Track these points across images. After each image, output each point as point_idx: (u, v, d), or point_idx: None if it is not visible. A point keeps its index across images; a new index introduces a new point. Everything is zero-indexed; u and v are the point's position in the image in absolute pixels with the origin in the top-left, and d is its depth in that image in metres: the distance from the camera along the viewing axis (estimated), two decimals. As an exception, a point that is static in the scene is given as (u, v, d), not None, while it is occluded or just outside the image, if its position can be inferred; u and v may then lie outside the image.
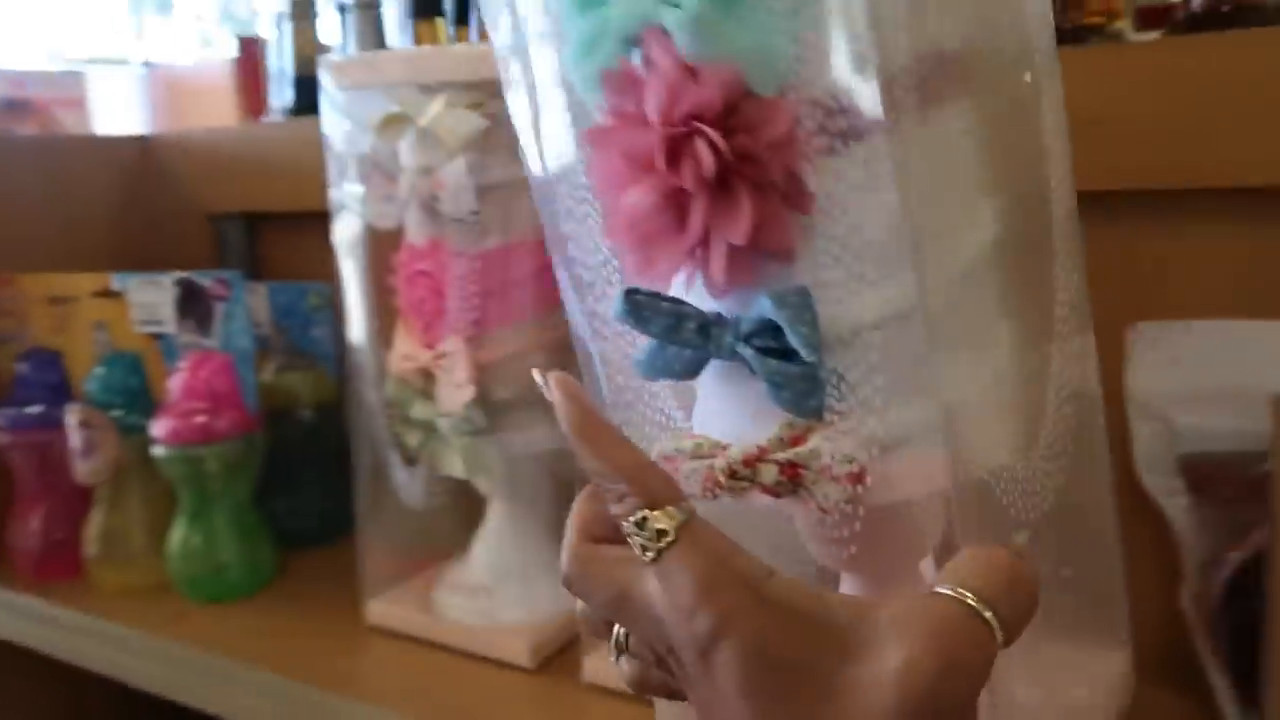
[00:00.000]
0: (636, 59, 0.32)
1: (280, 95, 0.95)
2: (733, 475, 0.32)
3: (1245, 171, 0.51)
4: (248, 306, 0.75)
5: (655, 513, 0.29)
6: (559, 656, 0.64)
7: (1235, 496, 0.54)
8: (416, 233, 0.63)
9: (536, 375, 0.33)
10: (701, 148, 0.30)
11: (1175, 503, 0.56)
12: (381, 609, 0.69)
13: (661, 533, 0.29)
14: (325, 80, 0.64)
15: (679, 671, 0.29)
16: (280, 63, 0.94)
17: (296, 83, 0.93)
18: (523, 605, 0.64)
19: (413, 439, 0.65)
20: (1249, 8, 0.53)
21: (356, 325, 0.67)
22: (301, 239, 0.94)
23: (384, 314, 0.66)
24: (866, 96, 0.29)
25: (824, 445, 0.31)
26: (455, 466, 0.62)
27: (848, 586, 0.39)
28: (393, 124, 0.61)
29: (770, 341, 0.31)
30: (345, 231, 0.66)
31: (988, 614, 0.27)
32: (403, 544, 0.71)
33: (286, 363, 0.84)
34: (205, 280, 0.75)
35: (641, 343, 0.35)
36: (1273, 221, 0.53)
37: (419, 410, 0.64)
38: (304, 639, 0.69)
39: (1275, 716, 0.45)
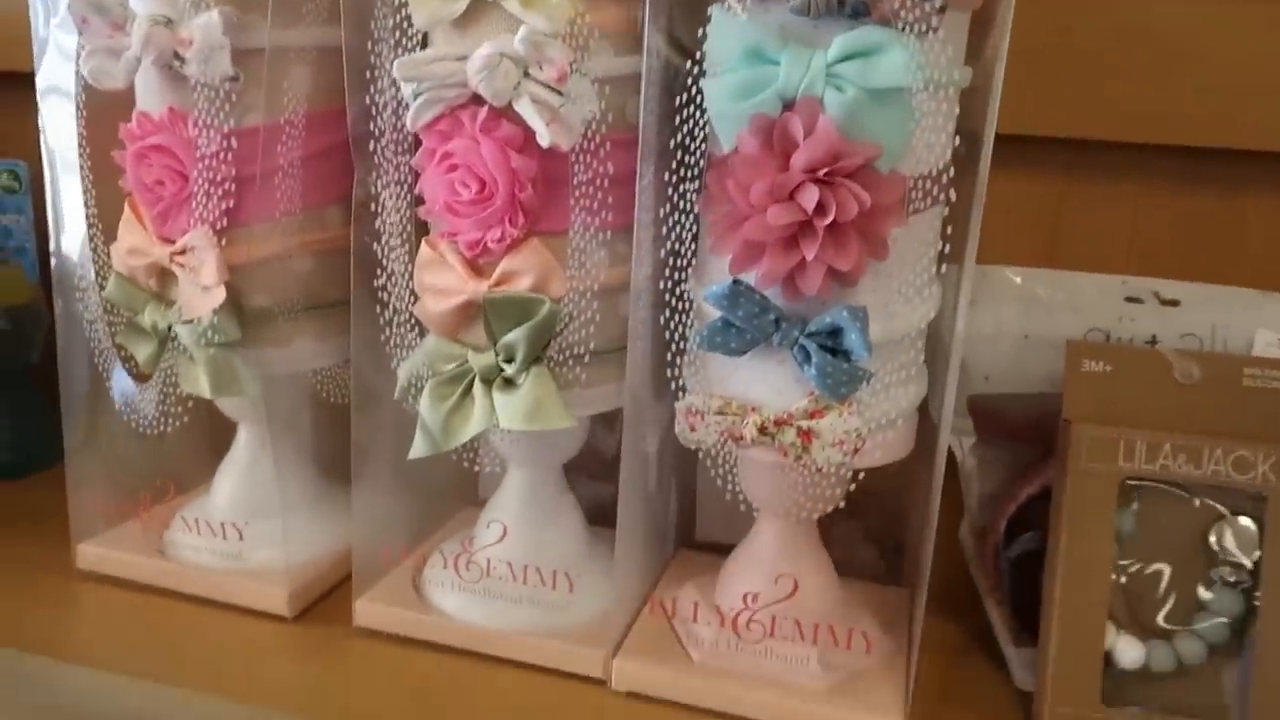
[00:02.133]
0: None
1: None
2: (762, 430, 0.44)
3: (1137, 128, 0.52)
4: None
5: None
6: (323, 603, 0.56)
7: (1015, 436, 0.55)
8: (151, 98, 0.51)
9: None
10: (845, 197, 0.39)
11: (962, 441, 0.57)
12: (98, 553, 0.57)
13: None
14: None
15: None
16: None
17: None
18: (278, 546, 0.55)
19: (142, 350, 0.54)
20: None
21: (67, 210, 0.54)
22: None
23: (104, 198, 0.54)
24: (932, 182, 0.42)
25: (838, 421, 0.43)
26: (199, 384, 0.52)
27: (766, 525, 0.51)
28: (122, -43, 0.49)
29: (828, 341, 0.42)
30: (54, 90, 0.53)
31: None
32: (123, 476, 0.59)
33: (-34, 255, 0.68)
34: None
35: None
36: (1164, 181, 0.54)
37: (151, 316, 0.53)
38: (-7, 590, 0.57)
39: (1050, 647, 0.47)
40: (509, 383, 0.47)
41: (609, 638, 0.50)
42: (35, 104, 0.54)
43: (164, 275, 0.53)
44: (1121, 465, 0.47)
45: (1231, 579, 0.47)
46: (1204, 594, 0.48)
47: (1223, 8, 0.51)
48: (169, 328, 0.53)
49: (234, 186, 0.50)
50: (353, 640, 0.53)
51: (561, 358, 0.47)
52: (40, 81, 0.53)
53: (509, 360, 0.47)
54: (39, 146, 0.55)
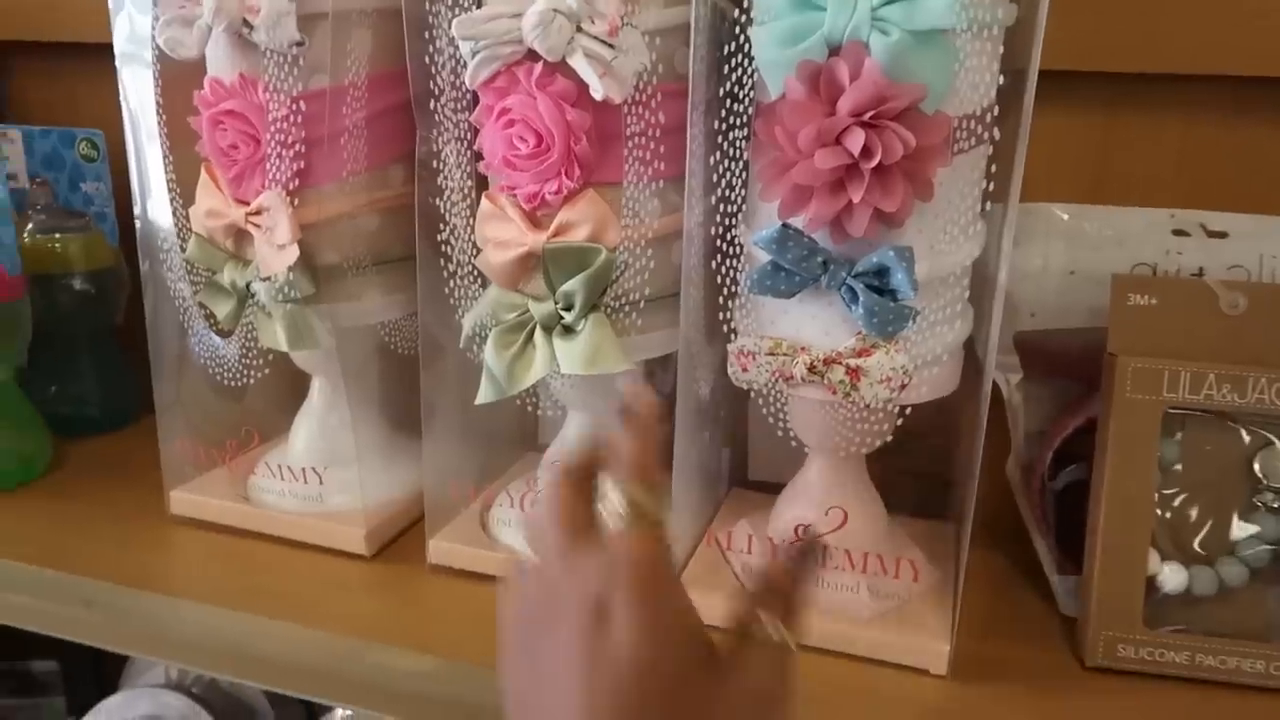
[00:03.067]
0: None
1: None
2: (811, 369, 0.46)
3: (1184, 59, 0.52)
4: (1, 150, 0.63)
5: None
6: (398, 542, 0.60)
7: (1061, 372, 0.57)
8: (223, 65, 0.54)
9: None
10: (890, 139, 0.40)
11: (1008, 378, 0.58)
12: (188, 498, 0.62)
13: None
14: None
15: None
16: None
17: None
18: (355, 489, 0.59)
19: (222, 307, 0.57)
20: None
21: (148, 175, 0.57)
22: (60, 76, 0.80)
23: (181, 163, 0.57)
24: (976, 121, 0.43)
25: (885, 359, 0.44)
26: (277, 338, 0.55)
27: (816, 461, 0.53)
28: (190, -69, 0.51)
29: (875, 281, 0.43)
30: (132, 61, 0.55)
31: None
32: (209, 427, 0.63)
33: (51, 222, 0.71)
34: (-58, 116, 0.62)
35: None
36: (1211, 112, 0.54)
37: (230, 274, 0.56)
38: (92, 533, 0.61)
39: (1094, 574, 0.49)
40: (568, 330, 0.50)
41: (668, 570, 0.53)
42: (111, 75, 0.57)
43: (240, 235, 0.56)
44: (1165, 395, 0.48)
45: (1275, 505, 0.48)
46: (1247, 519, 0.49)
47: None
48: (247, 285, 0.56)
49: (303, 148, 0.52)
50: (426, 576, 0.56)
51: (618, 304, 0.50)
52: (119, 53, 0.56)
53: (568, 308, 0.49)
54: (116, 116, 0.58)
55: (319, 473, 0.59)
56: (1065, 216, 0.56)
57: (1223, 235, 0.53)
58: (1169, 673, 0.48)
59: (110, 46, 0.57)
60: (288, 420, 0.64)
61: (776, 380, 0.47)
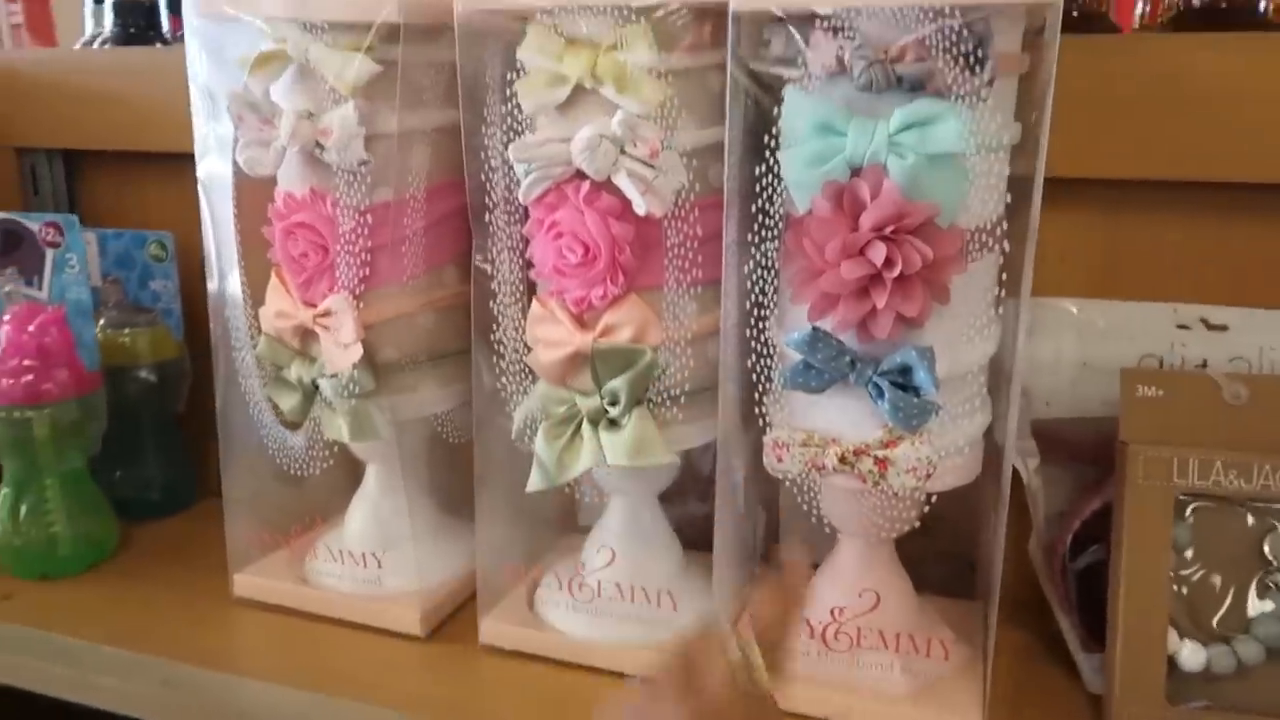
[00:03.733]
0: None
1: (96, 20, 0.86)
2: (842, 460, 0.49)
3: (1183, 166, 0.56)
4: (85, 254, 0.68)
5: None
6: (451, 622, 0.63)
7: (1077, 458, 0.60)
8: (295, 181, 0.59)
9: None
10: (909, 251, 0.45)
11: (1027, 463, 0.61)
12: (251, 581, 0.65)
13: None
14: (188, 8, 0.58)
15: None
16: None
17: (119, 7, 0.84)
18: (410, 572, 0.62)
19: (287, 401, 0.61)
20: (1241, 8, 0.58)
21: (224, 279, 0.62)
22: (127, 182, 0.86)
23: (251, 267, 0.62)
24: (987, 234, 0.47)
25: (910, 450, 0.48)
26: (340, 431, 0.59)
27: (848, 545, 0.56)
28: (270, 62, 0.56)
29: (899, 378, 0.47)
30: (212, 175, 0.61)
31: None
32: (267, 514, 0.67)
33: (121, 318, 0.76)
34: (32, 223, 0.67)
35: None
36: (1209, 214, 0.58)
37: (297, 371, 0.61)
38: (162, 614, 0.64)
39: (1116, 652, 0.51)
40: (614, 423, 0.53)
41: (708, 649, 0.56)
42: (179, 180, 0.62)
43: (307, 335, 0.60)
44: (1175, 482, 0.51)
45: (1286, 585, 0.51)
46: (1260, 599, 0.51)
47: (1259, 55, 0.55)
48: (313, 381, 0.60)
49: (368, 255, 0.57)
50: (479, 656, 0.59)
51: (660, 399, 0.53)
52: (201, 171, 0.61)
53: (613, 403, 0.53)
54: (183, 218, 0.63)
55: (378, 557, 0.63)
56: (1075, 310, 0.59)
57: (1223, 328, 0.57)
58: (1191, 748, 0.50)
59: (177, 155, 0.62)
60: (341, 502, 0.67)
61: (809, 470, 0.50)
